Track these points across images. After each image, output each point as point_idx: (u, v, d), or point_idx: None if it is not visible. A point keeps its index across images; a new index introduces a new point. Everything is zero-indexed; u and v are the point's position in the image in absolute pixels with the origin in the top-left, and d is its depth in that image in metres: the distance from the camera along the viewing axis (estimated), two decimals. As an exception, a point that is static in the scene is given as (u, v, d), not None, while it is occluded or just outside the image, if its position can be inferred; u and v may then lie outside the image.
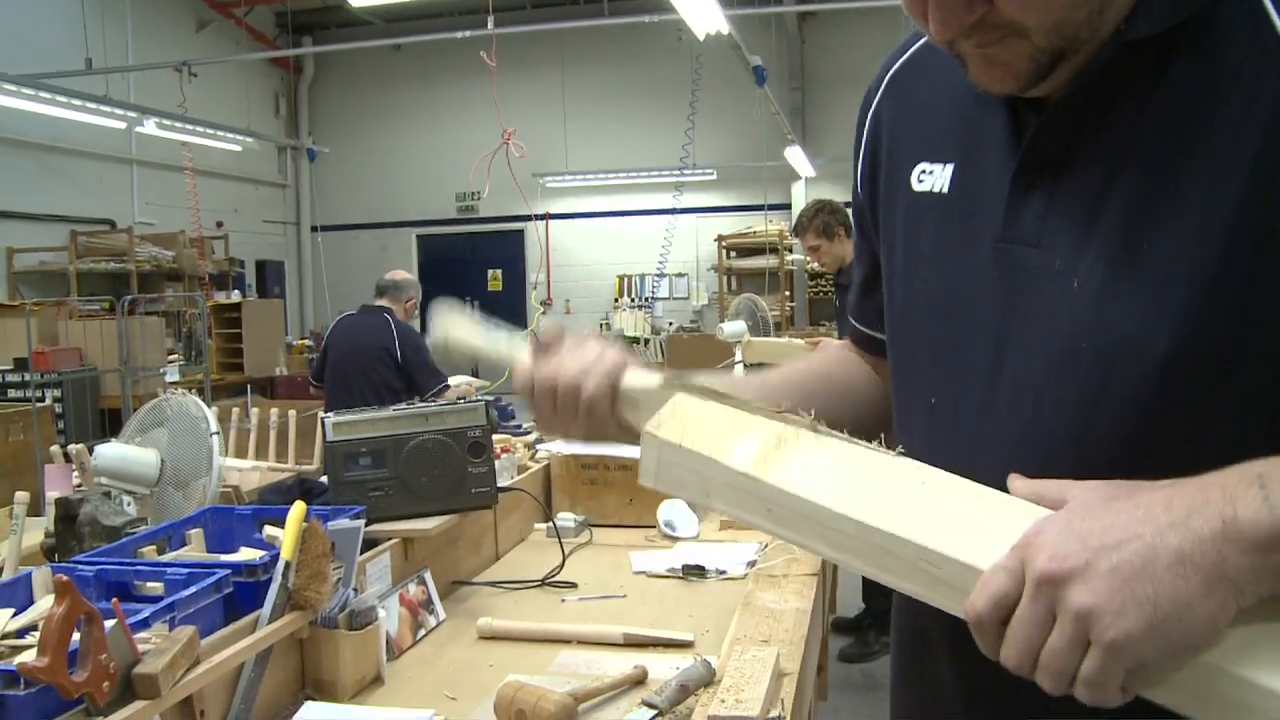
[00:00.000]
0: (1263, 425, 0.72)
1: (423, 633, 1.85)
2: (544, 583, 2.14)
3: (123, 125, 9.87)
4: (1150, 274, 0.74)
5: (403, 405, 2.06)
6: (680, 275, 13.26)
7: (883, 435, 0.83)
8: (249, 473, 2.97)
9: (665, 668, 1.60)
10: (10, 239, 9.55)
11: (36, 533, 1.97)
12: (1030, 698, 0.70)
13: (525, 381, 0.95)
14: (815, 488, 0.76)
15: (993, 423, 0.82)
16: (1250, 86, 0.71)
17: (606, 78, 13.22)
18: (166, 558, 1.68)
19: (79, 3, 9.80)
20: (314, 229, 13.56)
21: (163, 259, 10.23)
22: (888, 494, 0.75)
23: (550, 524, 2.45)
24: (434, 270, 13.70)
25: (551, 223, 13.40)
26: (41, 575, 1.50)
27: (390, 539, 1.89)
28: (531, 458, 2.85)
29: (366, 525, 1.74)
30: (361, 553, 1.69)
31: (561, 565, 2.19)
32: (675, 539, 2.45)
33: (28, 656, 1.15)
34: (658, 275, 11.63)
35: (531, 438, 3.31)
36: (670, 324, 12.15)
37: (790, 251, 11.76)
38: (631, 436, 0.91)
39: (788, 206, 12.73)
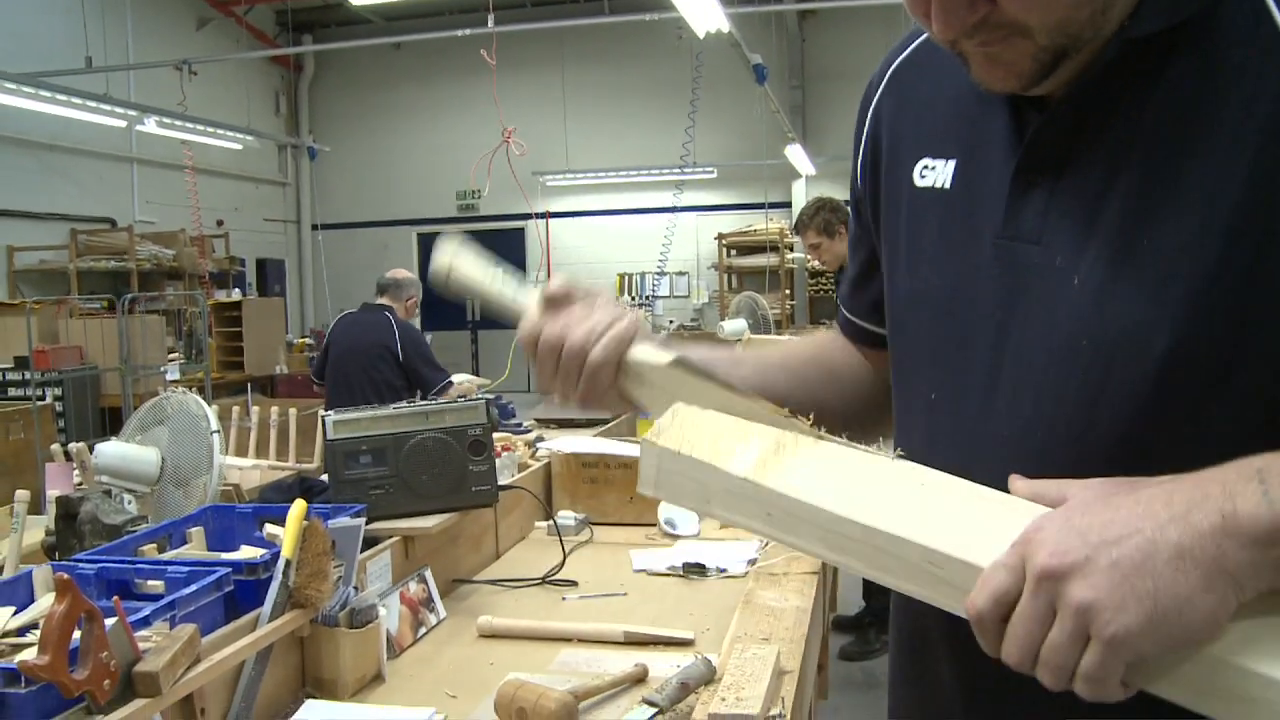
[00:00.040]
0: (1262, 422, 0.72)
1: (423, 631, 1.85)
2: (544, 581, 2.14)
3: (123, 124, 9.87)
4: (1150, 272, 0.74)
5: (403, 403, 2.06)
6: (681, 273, 13.26)
7: (881, 439, 0.83)
8: (249, 471, 2.97)
9: (666, 666, 1.60)
10: (10, 237, 9.56)
11: (37, 531, 1.97)
12: (1030, 696, 0.70)
13: (530, 336, 0.91)
14: (815, 491, 0.76)
15: (992, 420, 0.82)
16: (1251, 85, 0.71)
17: (607, 76, 13.21)
18: (167, 556, 1.68)
19: (79, 1, 9.80)
20: (314, 227, 13.55)
21: (163, 257, 10.23)
22: (887, 495, 0.75)
23: (551, 522, 2.46)
24: (434, 268, 13.68)
25: (552, 221, 13.40)
26: (42, 573, 1.50)
27: (391, 537, 1.89)
28: (532, 456, 2.85)
29: (367, 523, 1.74)
30: (362, 551, 1.69)
31: (562, 563, 2.19)
32: (676, 537, 2.45)
33: (28, 654, 1.15)
34: (658, 273, 11.62)
35: (532, 436, 3.31)
36: (671, 322, 12.14)
37: (791, 250, 11.76)
38: (629, 408, 0.89)
39: (788, 205, 12.72)
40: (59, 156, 10.08)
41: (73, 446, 2.38)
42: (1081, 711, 0.69)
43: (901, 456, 0.81)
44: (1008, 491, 0.75)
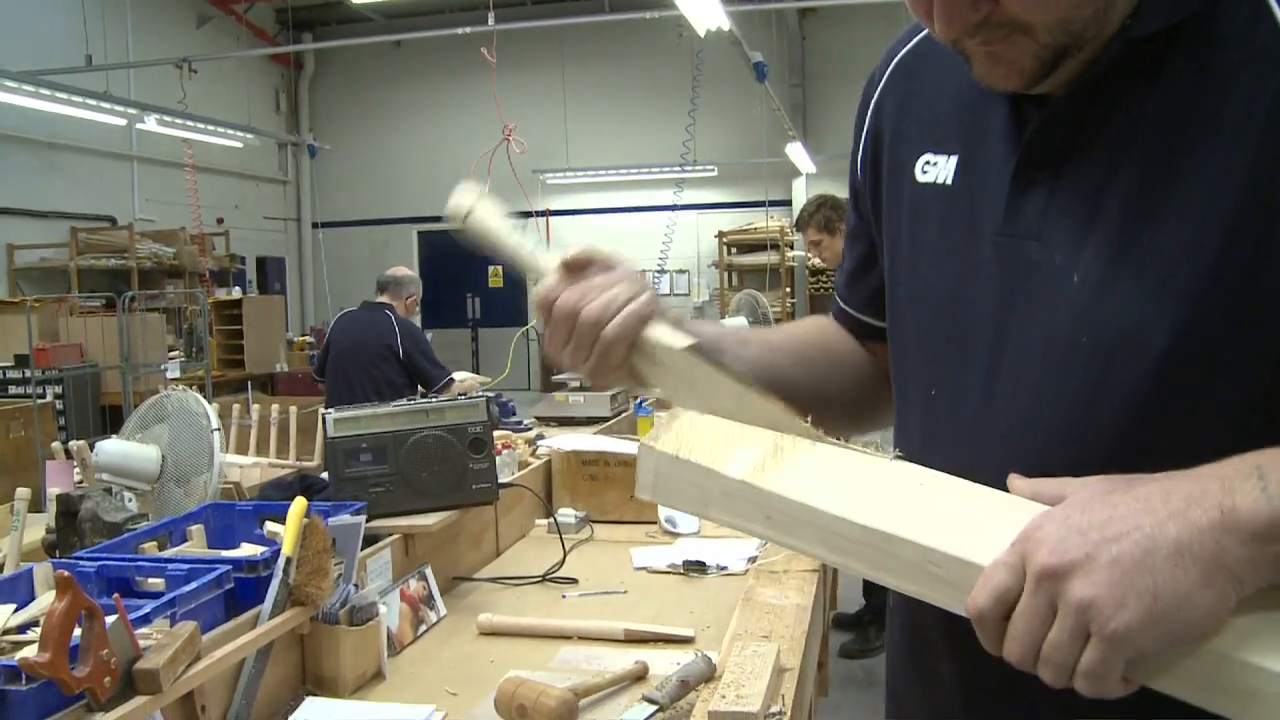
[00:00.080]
0: (1260, 419, 0.72)
1: (423, 628, 1.85)
2: (545, 578, 2.14)
3: (123, 122, 9.86)
4: (1150, 270, 0.74)
5: (403, 401, 2.06)
6: (681, 271, 13.26)
7: (880, 433, 0.83)
8: (250, 469, 2.97)
9: (666, 663, 1.60)
10: (11, 236, 9.56)
11: (38, 529, 1.97)
12: (1030, 693, 0.70)
13: (546, 299, 0.87)
14: (814, 493, 0.76)
15: (992, 417, 0.82)
16: (1251, 84, 0.71)
17: (607, 74, 13.20)
18: (167, 553, 1.68)
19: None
20: (315, 225, 13.54)
21: (163, 255, 10.23)
22: (886, 496, 0.76)
23: (551, 520, 2.46)
24: (435, 266, 13.69)
25: (552, 219, 13.39)
26: (43, 571, 1.50)
27: (391, 535, 1.89)
28: (532, 454, 2.85)
29: (367, 521, 1.75)
30: (362, 549, 1.69)
31: (562, 561, 2.19)
32: (676, 535, 2.45)
33: (29, 652, 1.15)
34: (658, 271, 11.61)
35: (532, 434, 3.31)
36: (671, 320, 12.11)
37: (791, 248, 11.75)
38: (637, 385, 0.88)
39: (788, 203, 12.72)
40: (59, 154, 10.08)
41: (73, 444, 2.39)
42: (1081, 708, 0.69)
43: (900, 457, 0.81)
44: (1007, 490, 0.75)
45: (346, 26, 13.84)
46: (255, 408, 3.76)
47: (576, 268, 0.87)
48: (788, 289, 11.76)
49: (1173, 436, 0.74)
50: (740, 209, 12.84)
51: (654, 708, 1.44)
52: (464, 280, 14.32)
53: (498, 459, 2.19)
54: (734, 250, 12.27)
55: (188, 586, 1.40)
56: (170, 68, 9.08)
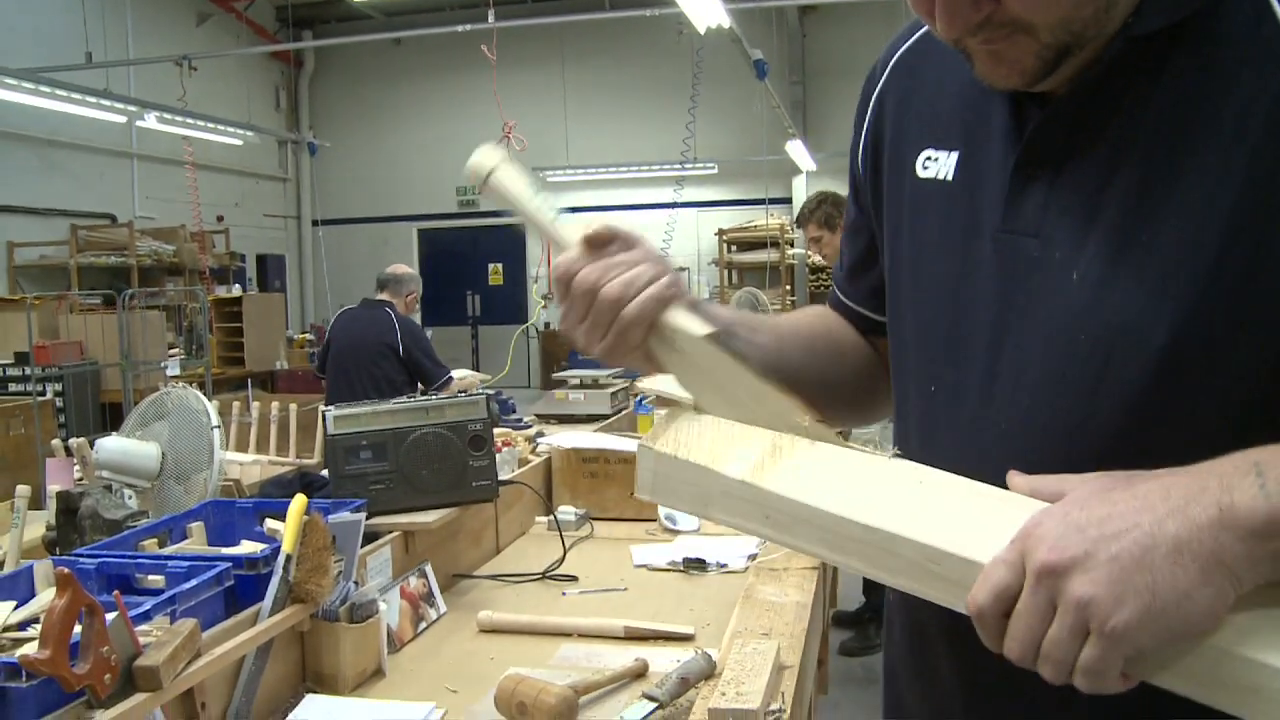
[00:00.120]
0: (1258, 416, 0.72)
1: (423, 626, 1.85)
2: (545, 576, 2.14)
3: (123, 119, 9.87)
4: (1149, 268, 0.74)
5: (403, 398, 2.06)
6: (681, 269, 13.21)
7: (881, 425, 0.83)
8: (250, 466, 2.97)
9: (666, 661, 1.60)
10: (11, 233, 9.56)
11: (38, 526, 1.97)
12: (1030, 690, 0.70)
13: (565, 273, 0.84)
14: (813, 492, 0.76)
15: (990, 412, 0.82)
16: (1252, 82, 0.71)
17: (607, 72, 13.20)
18: (167, 551, 1.68)
19: (79, -3, 9.80)
20: (314, 223, 13.54)
21: (163, 253, 10.23)
22: (886, 494, 0.76)
23: (551, 517, 2.46)
24: (435, 264, 13.70)
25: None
26: (43, 568, 1.50)
27: (391, 532, 1.89)
28: (532, 451, 2.85)
29: (367, 518, 1.74)
30: (362, 546, 1.69)
31: (562, 558, 2.19)
32: (676, 532, 2.45)
33: (29, 649, 1.15)
34: (658, 269, 11.60)
35: (532, 431, 3.31)
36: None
37: (791, 246, 11.76)
38: (651, 369, 0.86)
39: (788, 200, 12.72)
40: (59, 152, 10.08)
41: (73, 442, 2.38)
42: (1081, 704, 0.69)
43: (898, 455, 0.81)
44: (1005, 486, 0.75)
45: (346, 24, 13.85)
46: (255, 405, 3.75)
47: (598, 243, 0.84)
48: (788, 286, 11.76)
49: (1171, 435, 0.74)
50: (740, 206, 12.84)
51: (654, 705, 1.44)
52: (464, 278, 14.33)
53: (498, 456, 2.19)
54: (734, 248, 12.28)
55: (188, 584, 1.40)
56: (170, 65, 9.08)
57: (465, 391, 3.34)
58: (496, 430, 2.64)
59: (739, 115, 11.94)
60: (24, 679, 1.09)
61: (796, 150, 11.00)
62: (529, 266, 13.88)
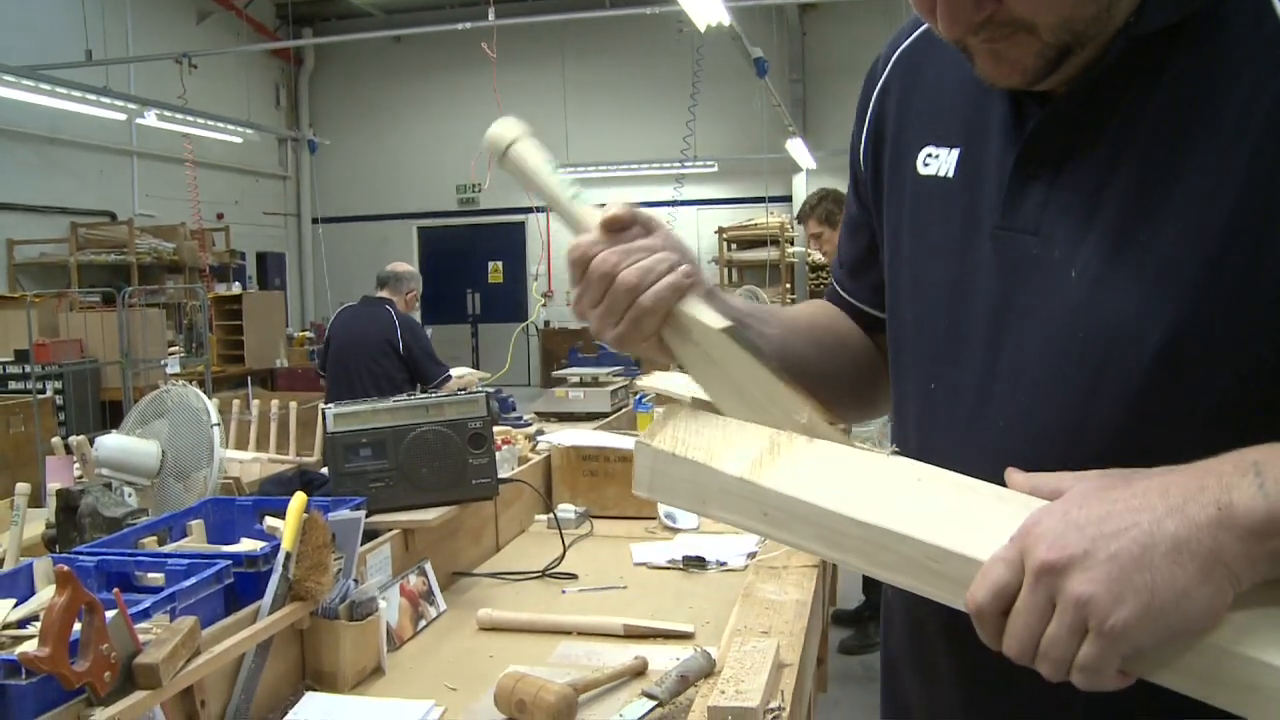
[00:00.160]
0: (1257, 415, 0.72)
1: (423, 623, 1.85)
2: (544, 574, 2.14)
3: (123, 117, 9.86)
4: (1148, 267, 0.74)
5: (403, 396, 2.06)
6: (684, 265, 13.24)
7: (882, 424, 0.82)
8: (249, 464, 2.98)
9: (665, 659, 1.60)
10: (10, 231, 9.55)
11: (37, 524, 1.97)
12: (1028, 687, 0.71)
13: (582, 256, 0.82)
14: (812, 489, 0.76)
15: (988, 410, 0.82)
16: (1252, 82, 0.71)
17: (607, 69, 13.19)
18: (167, 549, 1.68)
19: (79, -6, 9.79)
20: (314, 221, 13.55)
21: (163, 251, 10.23)
22: (884, 492, 0.75)
23: (551, 515, 2.46)
24: (435, 262, 13.70)
25: (553, 215, 13.38)
26: (43, 566, 1.50)
27: (391, 530, 1.89)
28: (532, 449, 2.85)
29: (367, 516, 1.74)
30: (362, 544, 1.69)
31: (562, 556, 2.19)
32: (676, 530, 2.45)
33: (29, 646, 1.15)
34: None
35: (532, 429, 3.31)
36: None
37: (791, 244, 11.76)
38: (664, 357, 0.85)
39: (788, 199, 12.72)
40: (59, 149, 10.07)
41: (73, 440, 2.38)
42: (1079, 702, 0.69)
43: (896, 452, 0.81)
44: (1004, 483, 0.75)
45: (346, 22, 13.84)
46: (255, 403, 3.75)
47: (617, 226, 0.82)
48: (788, 285, 11.76)
49: (1169, 433, 0.74)
50: (740, 205, 12.83)
51: (653, 703, 1.44)
52: (464, 276, 14.33)
53: (497, 454, 2.19)
54: (734, 246, 12.27)
55: (187, 581, 1.40)
56: (170, 63, 9.09)
57: (465, 389, 3.34)
58: (496, 428, 2.64)
59: (739, 113, 11.94)
60: (24, 676, 1.09)
61: (796, 148, 11.00)
62: (529, 265, 13.89)
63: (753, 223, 11.96)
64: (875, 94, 0.98)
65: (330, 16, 13.99)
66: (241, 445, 3.53)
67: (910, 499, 0.75)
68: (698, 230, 12.93)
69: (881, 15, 10.72)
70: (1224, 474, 0.64)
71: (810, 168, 12.20)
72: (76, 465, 2.34)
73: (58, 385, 7.63)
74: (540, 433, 3.17)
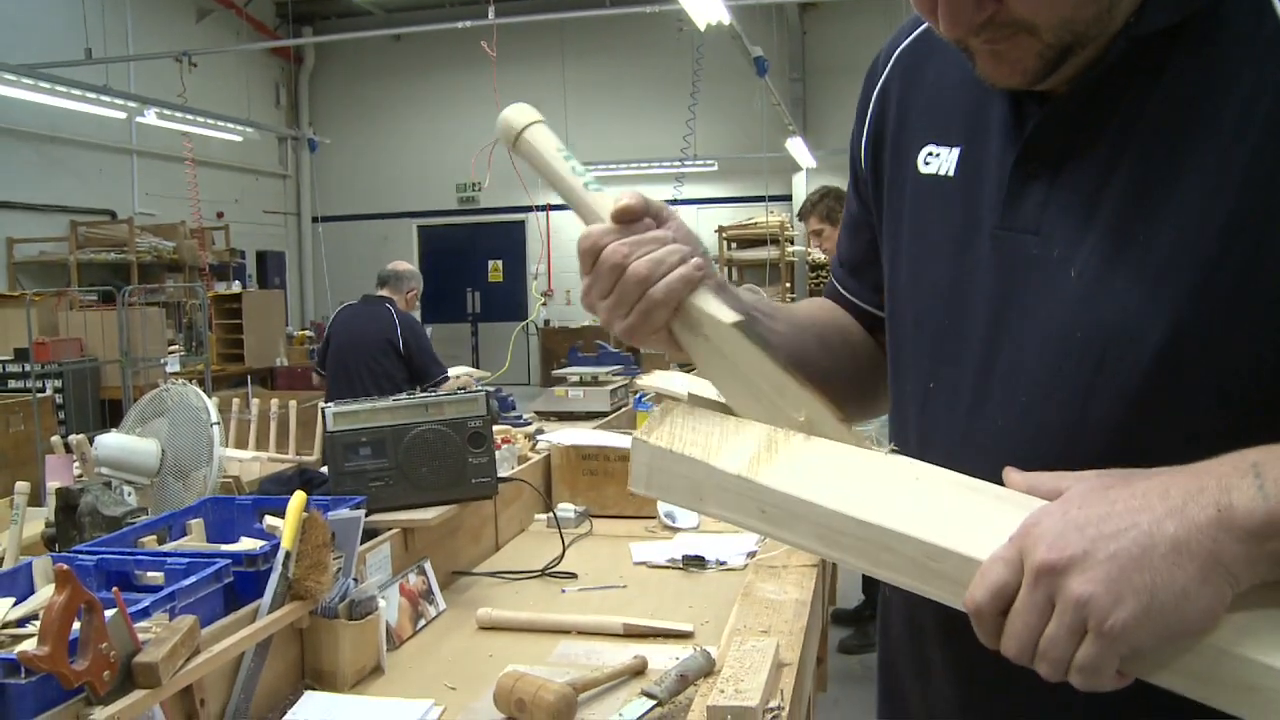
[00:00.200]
0: (1256, 415, 0.72)
1: (423, 623, 1.86)
2: (544, 573, 2.14)
3: (123, 115, 9.87)
4: (1147, 267, 0.74)
5: (403, 395, 2.06)
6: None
7: (874, 434, 0.82)
8: (249, 463, 2.98)
9: (665, 658, 1.60)
10: (10, 229, 9.55)
11: (37, 523, 1.97)
12: (1026, 686, 0.71)
13: (592, 246, 0.81)
14: (810, 487, 0.76)
15: (987, 410, 0.82)
16: (1252, 82, 0.71)
17: (607, 68, 13.19)
18: (167, 547, 1.68)
19: (79, -7, 9.79)
20: (314, 219, 13.55)
21: (163, 250, 10.23)
22: (882, 490, 0.75)
23: (550, 514, 2.46)
24: (435, 261, 13.70)
25: (552, 213, 13.39)
26: (42, 564, 1.50)
27: (390, 529, 1.89)
28: (532, 448, 2.85)
29: (367, 515, 1.74)
30: (362, 543, 1.69)
31: (561, 556, 2.19)
32: (675, 530, 2.45)
33: (28, 645, 1.15)
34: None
35: (532, 428, 3.31)
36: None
37: (791, 243, 11.76)
38: (673, 350, 0.84)
39: (788, 198, 12.72)
40: (59, 148, 10.08)
41: (73, 438, 2.38)
42: (1077, 701, 0.69)
43: (895, 451, 0.81)
44: (1002, 483, 0.75)
45: (346, 20, 13.84)
46: (255, 402, 3.75)
47: (629, 216, 0.81)
48: (788, 284, 11.76)
49: (1168, 433, 0.74)
50: (740, 204, 12.83)
51: (652, 702, 1.44)
52: (464, 275, 14.33)
53: (497, 454, 2.19)
54: (734, 245, 12.26)
55: (187, 580, 1.40)
56: (170, 61, 9.09)
57: (463, 389, 3.34)
58: (496, 427, 2.64)
59: (739, 112, 11.94)
60: (23, 675, 1.09)
61: (796, 147, 11.00)
62: (529, 264, 13.89)
63: (752, 222, 11.95)
64: (875, 93, 0.98)
65: (330, 15, 13.99)
66: (241, 444, 3.53)
67: (909, 498, 0.75)
68: (697, 229, 12.84)
69: (881, 15, 10.72)
70: (1223, 475, 0.64)
71: (810, 167, 12.20)
72: (76, 464, 2.34)
73: (57, 384, 7.63)
74: (540, 432, 3.17)
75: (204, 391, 2.21)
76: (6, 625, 1.36)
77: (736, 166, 12.60)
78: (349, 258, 13.58)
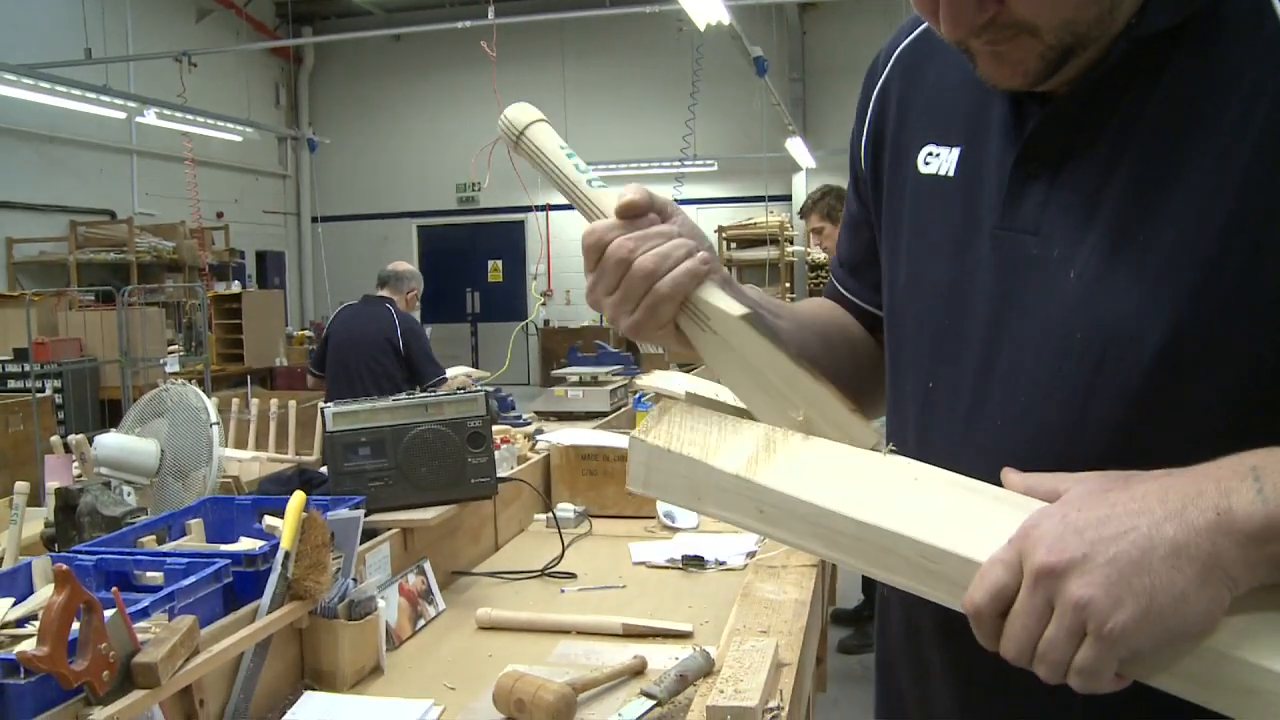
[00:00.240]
0: (1256, 416, 0.72)
1: (422, 623, 1.85)
2: (543, 573, 2.14)
3: (123, 115, 9.87)
4: (1147, 267, 0.74)
5: (402, 395, 2.06)
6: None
7: (878, 431, 0.82)
8: (249, 463, 2.98)
9: (664, 658, 1.60)
10: (10, 229, 9.55)
11: (36, 523, 1.97)
12: (1025, 688, 0.70)
13: (597, 241, 0.80)
14: (808, 487, 0.75)
15: (986, 410, 0.82)
16: (1252, 82, 0.71)
17: (607, 68, 13.19)
18: (166, 547, 1.68)
19: (79, -8, 9.79)
20: (314, 219, 13.55)
21: (163, 250, 10.23)
22: (881, 491, 0.75)
23: (550, 514, 2.46)
24: (434, 261, 13.70)
25: (552, 213, 13.40)
26: (41, 565, 1.50)
27: (390, 529, 1.89)
28: (531, 448, 2.85)
29: (366, 515, 1.74)
30: (361, 543, 1.69)
31: (561, 556, 2.19)
32: (675, 530, 2.45)
33: (28, 645, 1.15)
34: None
35: (531, 428, 3.31)
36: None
37: (791, 243, 11.76)
38: (679, 346, 0.84)
39: (788, 198, 12.72)
40: (58, 148, 10.08)
41: (72, 438, 2.38)
42: (1076, 702, 0.69)
43: (894, 451, 0.80)
44: (1000, 483, 0.75)
45: (346, 20, 13.85)
46: (254, 402, 3.75)
47: (633, 212, 0.80)
48: (787, 284, 11.76)
49: (1167, 434, 0.74)
50: (740, 204, 12.84)
51: (652, 702, 1.44)
52: (464, 275, 14.33)
53: (496, 454, 2.19)
54: (733, 245, 12.26)
55: (186, 580, 1.40)
56: (170, 61, 9.09)
57: (463, 388, 3.34)
58: (495, 427, 2.64)
59: (739, 112, 11.94)
60: (22, 676, 1.09)
61: (796, 147, 11.00)
62: (528, 264, 13.89)
63: (752, 222, 11.95)
64: (876, 92, 0.98)
65: (330, 15, 13.99)
66: (240, 444, 3.53)
67: (907, 498, 0.74)
68: (698, 229, 12.93)
69: (881, 14, 10.73)
70: (1222, 478, 0.64)
71: (810, 167, 12.20)
72: (75, 464, 2.34)
73: (57, 384, 7.63)
74: (539, 432, 3.17)
75: (203, 391, 2.21)
76: (6, 625, 1.36)
77: (736, 166, 12.60)
78: (349, 258, 13.59)
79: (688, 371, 0.92)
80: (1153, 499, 0.65)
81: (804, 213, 4.75)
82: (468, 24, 8.14)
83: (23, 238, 9.63)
